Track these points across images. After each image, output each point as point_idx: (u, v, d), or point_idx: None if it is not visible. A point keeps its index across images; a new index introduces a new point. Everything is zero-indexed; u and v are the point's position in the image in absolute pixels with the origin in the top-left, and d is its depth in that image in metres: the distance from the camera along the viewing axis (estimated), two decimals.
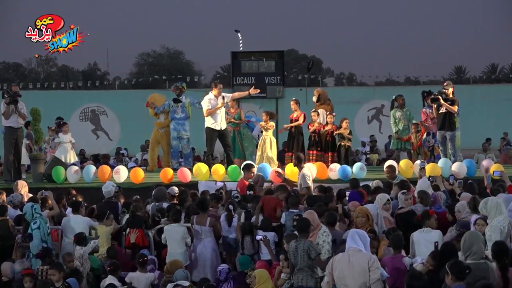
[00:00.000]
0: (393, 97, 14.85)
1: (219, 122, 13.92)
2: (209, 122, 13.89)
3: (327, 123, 14.19)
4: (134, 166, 15.00)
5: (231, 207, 9.41)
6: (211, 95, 13.92)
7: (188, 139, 14.77)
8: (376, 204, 8.86)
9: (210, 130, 13.94)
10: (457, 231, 7.94)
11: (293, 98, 14.76)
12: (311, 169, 12.00)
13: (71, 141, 14.42)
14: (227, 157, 14.12)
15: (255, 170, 11.68)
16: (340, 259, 6.43)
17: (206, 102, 13.86)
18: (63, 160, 13.80)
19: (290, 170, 11.91)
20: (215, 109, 13.80)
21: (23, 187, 11.39)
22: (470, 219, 8.13)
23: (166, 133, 14.82)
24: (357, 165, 12.78)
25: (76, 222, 9.40)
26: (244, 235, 8.95)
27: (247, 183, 11.06)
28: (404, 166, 12.42)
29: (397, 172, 11.61)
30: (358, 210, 8.48)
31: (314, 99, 14.68)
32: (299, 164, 11.15)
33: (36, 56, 38.80)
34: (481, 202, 7.59)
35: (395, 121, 14.55)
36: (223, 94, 14.06)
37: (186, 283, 7.57)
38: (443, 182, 10.71)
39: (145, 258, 8.39)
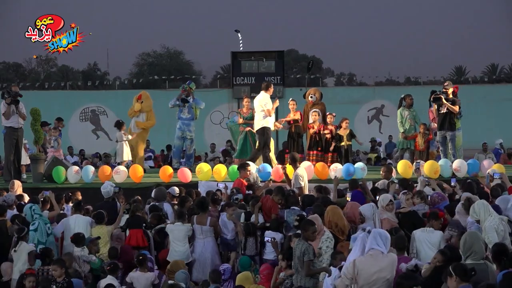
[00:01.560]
0: (402, 95, 14.81)
1: (272, 123, 13.68)
2: (267, 122, 13.49)
3: (327, 124, 14.16)
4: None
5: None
6: (268, 95, 13.68)
7: (192, 139, 14.79)
8: (379, 204, 8.86)
9: (268, 130, 13.51)
10: (449, 231, 7.93)
11: (292, 99, 14.67)
12: (310, 168, 12.05)
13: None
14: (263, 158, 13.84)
15: (250, 168, 11.68)
16: (365, 262, 6.22)
17: (270, 102, 13.55)
18: (130, 158, 14.03)
19: (290, 170, 11.93)
20: (273, 108, 13.55)
21: (19, 187, 11.39)
22: (467, 219, 8.14)
23: (140, 137, 14.71)
24: (358, 164, 12.78)
25: (77, 222, 9.39)
26: (248, 236, 8.95)
27: (245, 182, 11.06)
28: (403, 167, 12.42)
29: (394, 172, 11.58)
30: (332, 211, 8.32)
31: (314, 98, 14.50)
32: (293, 163, 11.17)
33: (35, 57, 38.84)
34: (470, 208, 7.64)
35: (402, 120, 14.52)
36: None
37: (183, 285, 7.61)
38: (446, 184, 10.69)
39: (141, 257, 8.35)
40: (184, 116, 14.64)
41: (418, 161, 12.58)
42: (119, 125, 14.48)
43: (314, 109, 14.21)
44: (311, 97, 14.47)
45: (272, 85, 13.86)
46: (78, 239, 8.78)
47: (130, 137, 14.36)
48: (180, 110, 14.64)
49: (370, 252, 6.26)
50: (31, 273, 8.00)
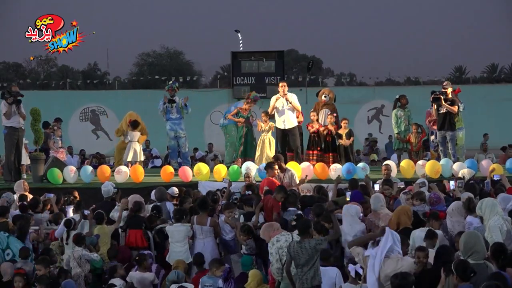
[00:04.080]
0: (397, 96, 14.80)
1: (282, 122, 13.58)
2: (276, 121, 13.72)
3: (327, 123, 14.17)
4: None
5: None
6: (279, 94, 13.63)
7: (186, 138, 14.84)
8: (378, 203, 8.85)
9: (276, 129, 13.76)
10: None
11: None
12: (310, 168, 12.08)
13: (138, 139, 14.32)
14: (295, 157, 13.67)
15: (277, 167, 11.63)
16: (388, 263, 6.27)
17: (272, 101, 13.63)
18: (137, 160, 13.87)
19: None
20: (271, 109, 13.58)
21: (28, 189, 11.38)
22: (467, 219, 8.15)
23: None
24: (360, 164, 12.75)
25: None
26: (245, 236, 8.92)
27: (276, 181, 10.99)
28: (406, 166, 12.42)
29: (394, 172, 11.55)
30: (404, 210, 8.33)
31: (327, 98, 14.44)
32: (278, 166, 11.19)
33: (32, 58, 38.71)
34: (477, 203, 7.68)
35: (397, 121, 14.49)
36: (289, 94, 13.61)
37: (191, 286, 7.61)
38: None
39: (139, 258, 8.37)
40: (174, 116, 14.67)
41: (424, 180, 11.03)
42: (135, 125, 14.33)
43: (312, 109, 14.26)
44: (324, 96, 14.45)
45: (280, 83, 13.94)
46: (79, 238, 8.79)
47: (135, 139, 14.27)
48: (168, 110, 14.66)
49: (392, 255, 6.30)
50: (19, 273, 7.98)
